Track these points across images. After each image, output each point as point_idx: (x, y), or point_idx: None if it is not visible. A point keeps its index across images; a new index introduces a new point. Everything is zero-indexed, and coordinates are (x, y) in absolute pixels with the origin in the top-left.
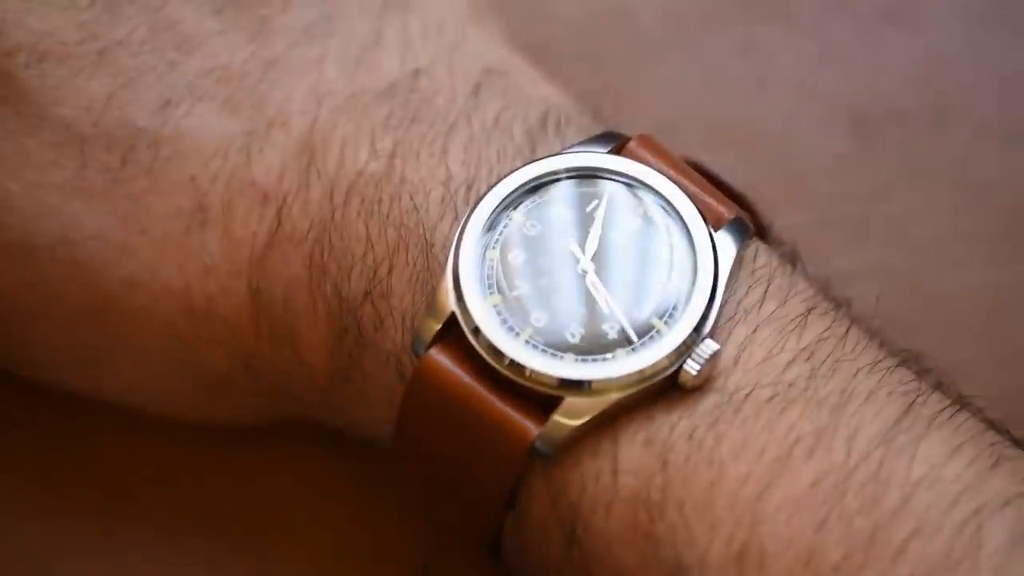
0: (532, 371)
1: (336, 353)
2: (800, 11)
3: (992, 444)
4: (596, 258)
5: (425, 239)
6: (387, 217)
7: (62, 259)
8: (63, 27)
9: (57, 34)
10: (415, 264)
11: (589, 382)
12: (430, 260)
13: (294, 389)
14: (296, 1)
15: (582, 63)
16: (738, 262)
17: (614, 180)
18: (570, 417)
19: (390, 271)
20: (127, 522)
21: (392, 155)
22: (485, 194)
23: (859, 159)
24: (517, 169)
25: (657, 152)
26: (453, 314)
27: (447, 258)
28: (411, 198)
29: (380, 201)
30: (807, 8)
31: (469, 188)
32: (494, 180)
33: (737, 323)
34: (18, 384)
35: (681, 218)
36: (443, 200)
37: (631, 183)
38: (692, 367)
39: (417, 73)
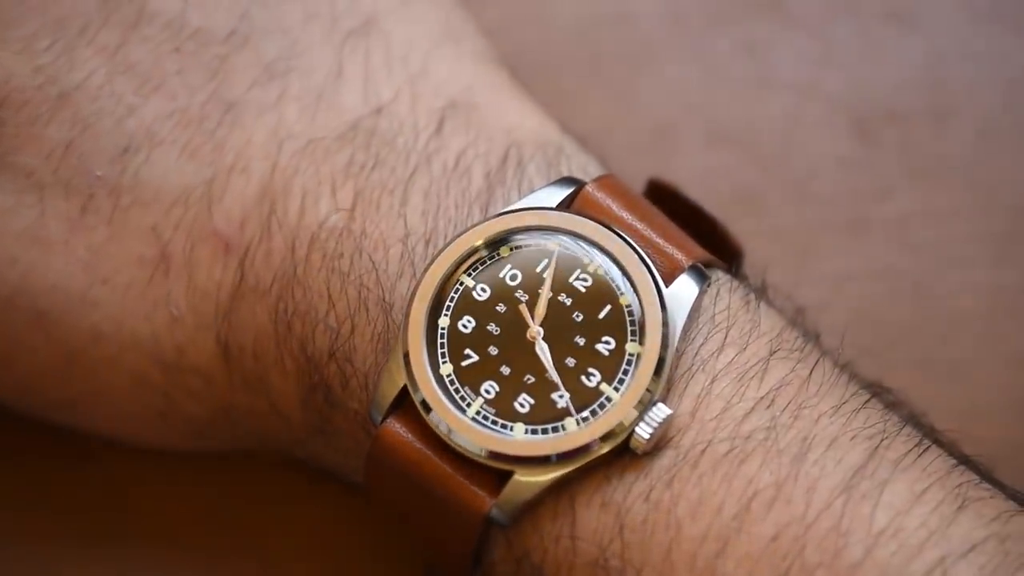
0: (480, 448)
1: (308, 406)
2: (800, 11)
3: (959, 485)
4: (545, 323)
5: (384, 299)
6: (347, 275)
7: (24, 309)
8: (20, 72)
9: (14, 80)
10: (376, 324)
11: (540, 457)
12: (389, 321)
13: (272, 435)
14: (256, 35)
15: (583, 64)
16: (696, 309)
17: (567, 233)
18: (523, 489)
19: (352, 331)
20: (127, 522)
21: (352, 207)
22: (434, 258)
23: (860, 159)
24: (467, 230)
25: (616, 195)
26: (404, 387)
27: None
28: (370, 257)
29: (341, 256)
30: (807, 8)
31: (427, 243)
32: (451, 232)
33: (694, 374)
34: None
35: (628, 276)
36: (401, 257)
37: (585, 238)
38: (643, 433)
39: (379, 111)
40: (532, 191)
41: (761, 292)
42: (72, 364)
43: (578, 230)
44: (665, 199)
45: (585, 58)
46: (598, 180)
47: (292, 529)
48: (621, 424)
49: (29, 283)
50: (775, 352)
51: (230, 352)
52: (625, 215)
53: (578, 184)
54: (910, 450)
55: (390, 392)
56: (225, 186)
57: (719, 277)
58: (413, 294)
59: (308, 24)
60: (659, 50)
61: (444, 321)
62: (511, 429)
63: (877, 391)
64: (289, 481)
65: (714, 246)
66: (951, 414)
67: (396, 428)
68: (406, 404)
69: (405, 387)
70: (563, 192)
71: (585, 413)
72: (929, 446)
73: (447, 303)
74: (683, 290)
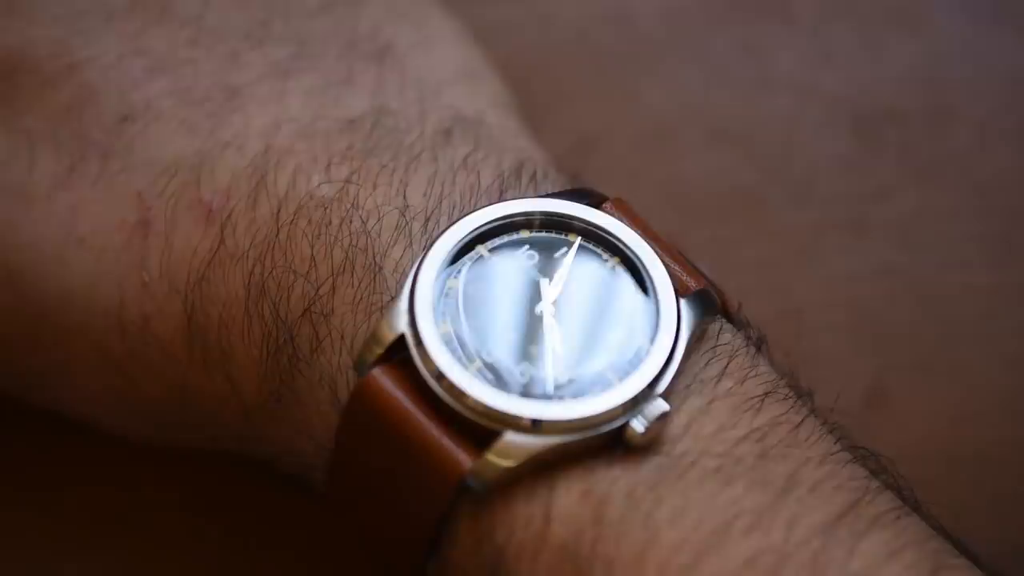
0: (475, 400)
1: (268, 374)
2: (800, 11)
3: (935, 551)
4: (557, 303)
5: (374, 261)
6: (334, 239)
7: None
8: (37, 42)
9: (29, 48)
10: (359, 286)
11: (532, 420)
12: (377, 283)
13: (226, 419)
14: (272, 41)
15: (583, 64)
16: (700, 335)
17: (587, 231)
18: (506, 455)
19: (332, 291)
20: (128, 522)
21: (347, 180)
22: (455, 222)
23: (859, 159)
24: (487, 206)
25: (629, 216)
26: (398, 339)
27: (397, 282)
28: (363, 222)
29: (329, 224)
30: (807, 8)
31: (427, 220)
32: (456, 216)
33: (692, 393)
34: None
35: (650, 277)
36: (397, 226)
37: (604, 236)
38: (639, 425)
39: (385, 110)
40: (547, 196)
41: (760, 342)
42: (40, 329)
43: (606, 225)
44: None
45: (585, 58)
46: (615, 200)
47: (292, 529)
48: (619, 408)
49: (5, 238)
50: (769, 394)
51: (195, 322)
52: (640, 232)
53: (597, 197)
54: (890, 510)
55: (383, 342)
56: (217, 159)
57: (721, 318)
58: (429, 249)
59: (326, 40)
60: (659, 50)
61: (453, 283)
62: (507, 394)
63: (863, 455)
64: (289, 481)
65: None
66: (951, 414)
67: (381, 379)
68: (393, 359)
69: (393, 344)
70: (582, 201)
71: (585, 393)
72: (909, 513)
73: (459, 267)
74: (690, 311)
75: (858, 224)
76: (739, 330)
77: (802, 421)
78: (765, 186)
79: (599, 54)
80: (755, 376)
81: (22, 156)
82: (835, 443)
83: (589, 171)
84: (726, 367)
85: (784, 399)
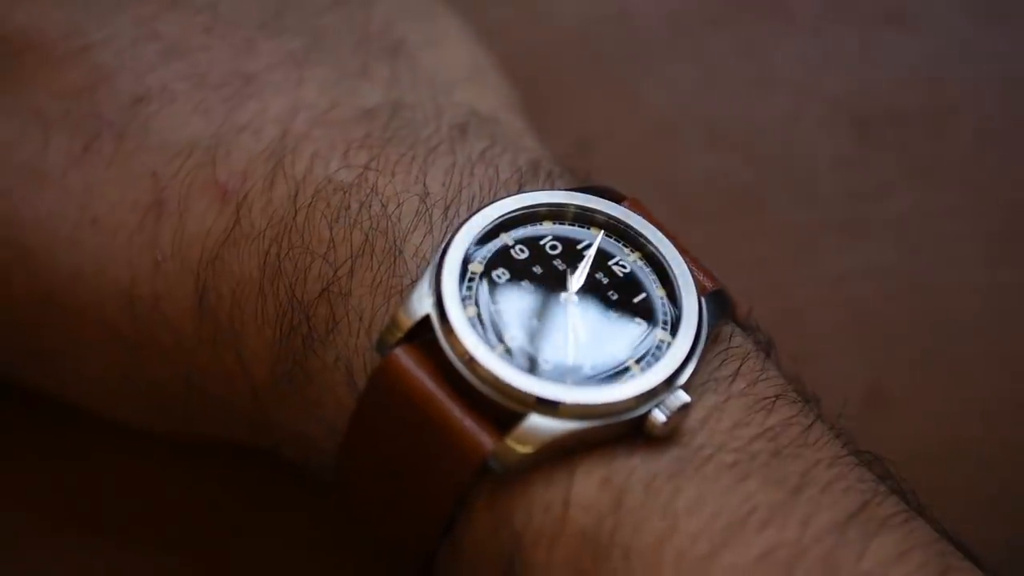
0: (502, 381)
1: (281, 356)
2: (800, 11)
3: (943, 553)
4: (581, 292)
5: (394, 245)
6: (354, 221)
7: (9, 243)
8: (49, 23)
9: (43, 28)
10: (379, 268)
11: (557, 403)
12: (398, 266)
13: (233, 402)
14: (287, 32)
15: (583, 64)
16: (714, 336)
17: (610, 225)
18: (528, 438)
19: (351, 273)
20: (127, 522)
21: (366, 167)
22: (484, 206)
23: (859, 159)
24: (509, 195)
25: (646, 216)
26: (420, 321)
27: (417, 266)
28: (383, 205)
29: (348, 207)
30: (807, 8)
31: (447, 208)
32: (475, 207)
33: (708, 390)
34: (18, 385)
35: (672, 274)
36: (417, 212)
37: (626, 231)
38: (660, 415)
39: (401, 104)
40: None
41: (769, 348)
42: (47, 309)
43: (628, 220)
44: None
45: (585, 58)
46: (632, 200)
47: (291, 528)
48: (641, 397)
49: (19, 216)
50: (780, 396)
51: (206, 302)
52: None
53: (614, 196)
54: (898, 513)
55: (406, 322)
56: (233, 142)
57: (731, 322)
58: (456, 232)
59: (339, 35)
60: (659, 50)
61: (477, 267)
62: (532, 376)
63: (869, 460)
64: (290, 481)
65: None
66: (950, 414)
67: (403, 359)
68: (415, 340)
69: (415, 326)
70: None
71: (608, 380)
72: (916, 516)
73: (483, 252)
74: (709, 308)
75: (858, 224)
76: (748, 334)
77: (811, 424)
78: (765, 186)
79: (599, 54)
80: (766, 379)
81: (35, 135)
82: (842, 447)
83: (589, 171)
84: (739, 368)
85: (793, 402)
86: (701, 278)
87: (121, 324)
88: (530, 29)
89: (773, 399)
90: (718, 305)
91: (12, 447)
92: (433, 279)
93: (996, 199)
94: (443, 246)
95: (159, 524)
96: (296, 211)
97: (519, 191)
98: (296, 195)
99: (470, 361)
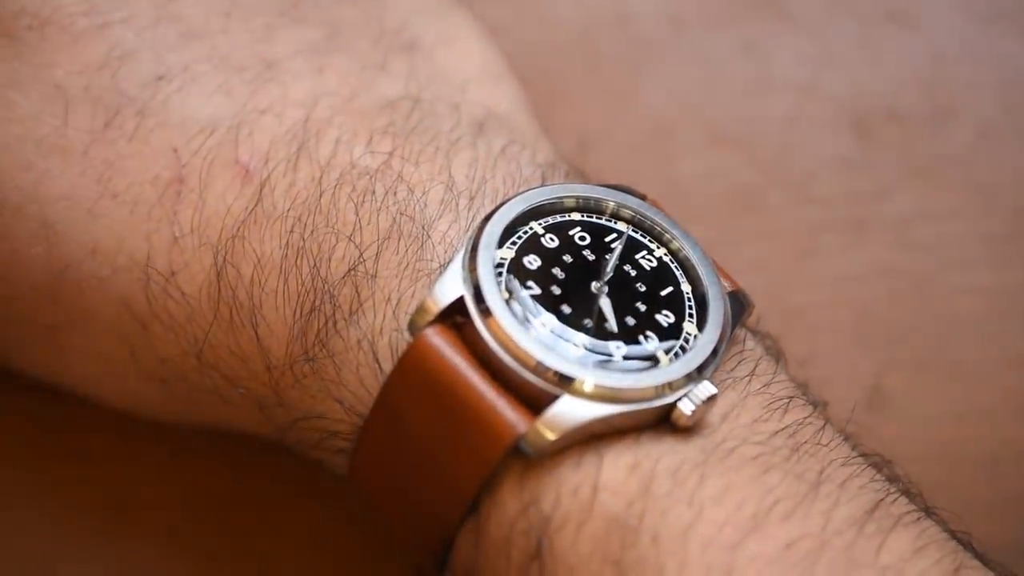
0: (538, 362)
1: (300, 335)
2: (800, 11)
3: (955, 550)
4: (610, 283)
5: (422, 229)
6: (380, 205)
7: (30, 217)
8: (70, 1)
9: (62, 5)
10: (407, 252)
11: (589, 387)
12: (425, 250)
13: (246, 381)
14: (306, 22)
15: (583, 64)
16: (733, 336)
17: (637, 220)
18: (560, 421)
19: (377, 255)
20: (127, 522)
21: (390, 154)
22: (520, 193)
23: (860, 159)
24: (538, 187)
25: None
26: (453, 303)
27: (445, 251)
28: (410, 191)
29: (374, 192)
30: (807, 8)
31: (471, 199)
32: (499, 200)
33: (727, 388)
34: (18, 384)
35: (698, 270)
36: (443, 201)
37: (655, 228)
38: (687, 406)
39: (420, 98)
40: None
41: (779, 354)
42: (63, 281)
43: (654, 215)
44: None
45: (585, 58)
46: (652, 200)
47: (292, 528)
48: (669, 385)
49: (41, 191)
50: (793, 398)
51: (224, 278)
52: None
53: (638, 194)
54: (910, 511)
55: (438, 304)
56: (255, 124)
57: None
58: (490, 217)
59: (356, 28)
60: (659, 50)
61: (508, 253)
62: (566, 358)
63: (878, 462)
64: (290, 480)
65: None
66: (951, 414)
67: (434, 339)
68: (445, 321)
69: (446, 308)
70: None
71: (639, 367)
72: (926, 516)
73: (513, 239)
74: (731, 306)
75: (858, 224)
76: (757, 339)
77: (824, 425)
78: (765, 186)
79: (599, 54)
80: (778, 382)
81: (55, 109)
82: (852, 449)
83: (589, 171)
84: (754, 369)
85: (805, 404)
86: (721, 278)
87: (134, 297)
88: (530, 29)
89: (787, 400)
90: (738, 304)
91: (12, 446)
92: (467, 262)
93: (996, 199)
94: (477, 230)
95: (159, 524)
96: (321, 193)
97: (542, 186)
98: (321, 178)
99: (505, 343)
